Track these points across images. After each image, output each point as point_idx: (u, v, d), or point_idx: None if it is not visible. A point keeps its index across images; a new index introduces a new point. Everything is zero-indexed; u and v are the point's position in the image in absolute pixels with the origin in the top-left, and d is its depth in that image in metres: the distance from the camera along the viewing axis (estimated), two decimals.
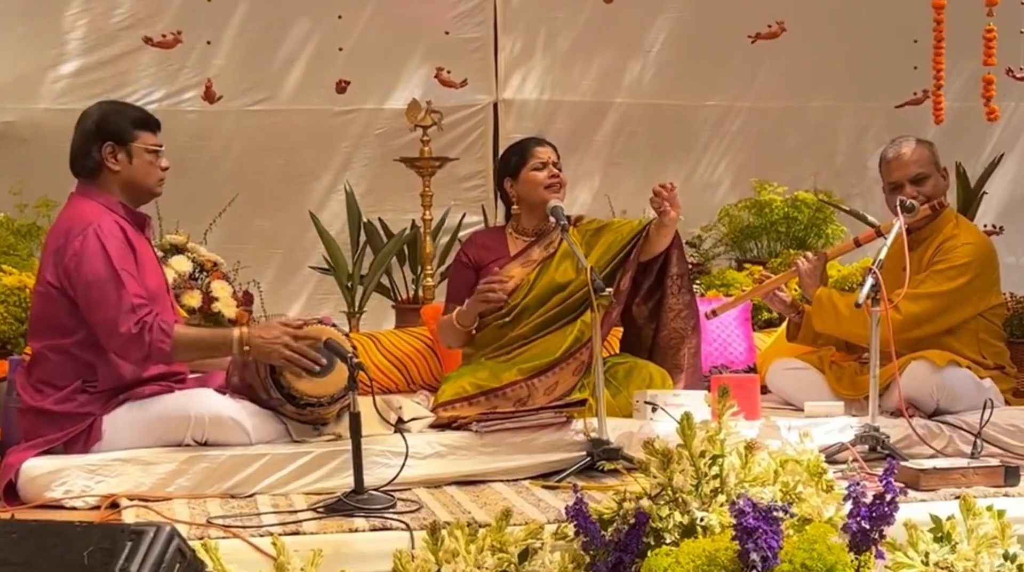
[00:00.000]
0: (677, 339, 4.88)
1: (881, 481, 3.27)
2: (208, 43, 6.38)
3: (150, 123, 4.25)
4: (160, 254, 5.11)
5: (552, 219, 4.78)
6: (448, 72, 6.59)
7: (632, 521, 3.25)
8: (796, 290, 5.30)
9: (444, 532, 3.25)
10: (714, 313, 5.21)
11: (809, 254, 5.14)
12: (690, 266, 6.37)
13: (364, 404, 3.93)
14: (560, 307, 4.82)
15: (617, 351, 5.09)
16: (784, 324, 5.43)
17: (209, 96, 6.36)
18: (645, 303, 4.94)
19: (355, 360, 3.93)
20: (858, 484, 3.28)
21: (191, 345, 4.07)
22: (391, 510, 3.77)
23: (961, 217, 5.08)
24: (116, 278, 3.98)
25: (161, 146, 4.25)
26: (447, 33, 6.60)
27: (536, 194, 4.88)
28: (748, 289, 5.18)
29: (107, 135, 4.16)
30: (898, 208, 4.66)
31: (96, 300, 3.99)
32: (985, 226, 6.77)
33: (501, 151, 6.13)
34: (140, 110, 4.31)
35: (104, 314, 3.99)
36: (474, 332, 4.89)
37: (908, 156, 4.90)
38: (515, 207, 4.98)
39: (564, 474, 4.23)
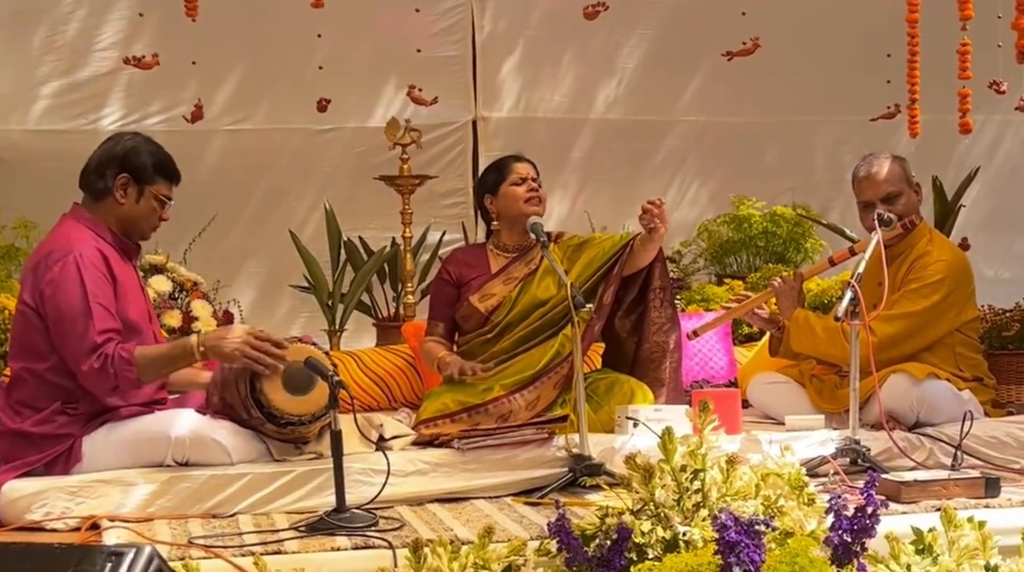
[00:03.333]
0: (659, 353, 4.88)
1: (862, 494, 3.27)
2: (194, 63, 6.35)
3: (172, 174, 4.25)
4: (140, 276, 5.09)
5: (532, 236, 4.79)
6: (420, 90, 6.59)
7: (614, 536, 3.25)
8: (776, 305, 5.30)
9: (427, 550, 3.24)
10: (695, 334, 5.21)
11: (784, 275, 5.15)
12: (671, 281, 6.38)
13: (345, 422, 3.91)
14: (541, 321, 4.82)
15: (598, 366, 5.09)
16: (765, 338, 5.43)
17: (195, 116, 6.34)
18: (628, 316, 4.94)
19: (336, 378, 3.92)
20: (839, 497, 3.28)
21: (154, 362, 4.04)
22: (373, 528, 3.76)
23: (935, 232, 5.09)
24: (87, 313, 3.96)
25: (171, 199, 4.24)
26: (419, 51, 6.59)
27: (515, 208, 4.89)
28: (729, 307, 5.17)
29: (128, 168, 4.15)
30: (876, 222, 4.66)
31: (65, 333, 3.98)
32: (964, 239, 6.78)
33: (481, 168, 6.14)
34: (169, 158, 4.27)
35: (70, 349, 3.98)
36: (455, 348, 4.92)
37: (880, 175, 4.91)
38: (495, 223, 4.99)
39: (546, 490, 4.22)
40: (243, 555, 3.49)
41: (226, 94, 6.49)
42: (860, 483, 3.37)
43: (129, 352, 3.97)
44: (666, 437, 3.35)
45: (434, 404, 4.62)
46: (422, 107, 6.60)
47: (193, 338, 4.07)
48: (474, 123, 6.78)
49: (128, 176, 4.15)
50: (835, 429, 4.67)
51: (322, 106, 6.54)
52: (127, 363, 3.96)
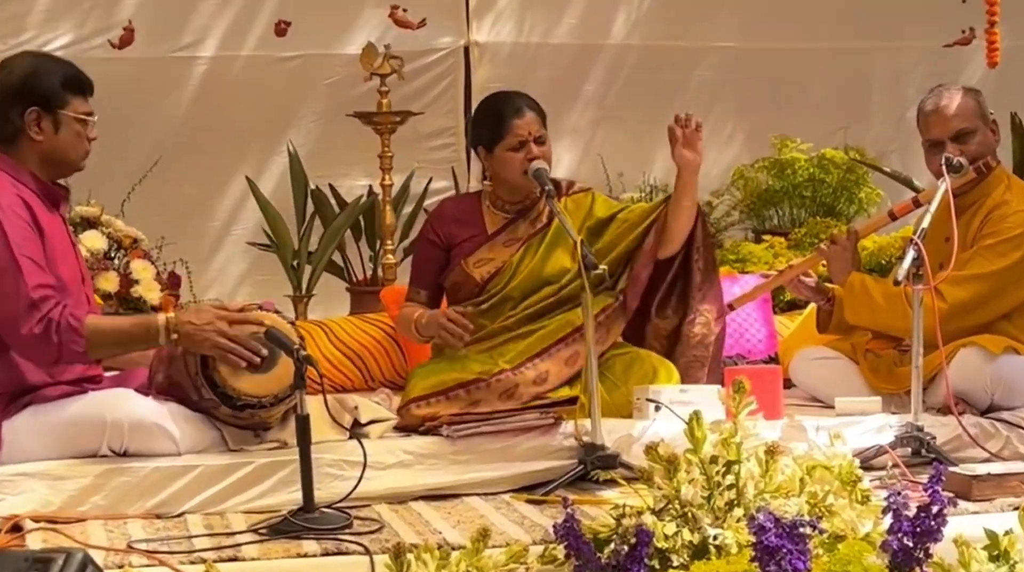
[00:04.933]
0: (705, 331, 4.87)
1: (926, 490, 3.28)
2: None
3: (83, 86, 4.23)
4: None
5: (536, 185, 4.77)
6: (404, 10, 6.56)
7: (633, 541, 3.25)
8: (825, 268, 5.30)
9: (410, 556, 3.25)
10: (731, 307, 5.21)
11: (835, 232, 5.14)
12: None
13: (314, 405, 3.93)
14: (554, 298, 4.82)
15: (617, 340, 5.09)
16: (810, 308, 5.43)
17: (123, 41, 6.31)
18: (668, 300, 4.94)
19: (302, 353, 3.92)
20: (899, 494, 3.28)
21: (109, 339, 4.05)
22: (347, 531, 3.77)
23: (1015, 178, 5.08)
24: (15, 268, 3.95)
25: (92, 114, 4.23)
26: None
27: (512, 178, 4.86)
28: (770, 273, 5.19)
29: (33, 98, 4.13)
30: (943, 167, 4.66)
31: None
32: None
33: (474, 104, 6.12)
34: (73, 68, 4.25)
35: (2, 311, 3.96)
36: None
37: (950, 109, 4.90)
38: (487, 183, 4.97)
39: (552, 486, 4.24)
40: (192, 562, 3.50)
41: (163, 14, 6.44)
42: (924, 477, 3.38)
43: (79, 320, 3.96)
44: (694, 423, 3.35)
45: (426, 380, 4.62)
46: (406, 31, 6.57)
47: (162, 318, 4.05)
48: (466, 49, 6.75)
49: (37, 109, 4.13)
50: (894, 413, 4.68)
51: (280, 29, 6.51)
52: (75, 333, 3.95)
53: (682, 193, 4.82)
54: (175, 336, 4.03)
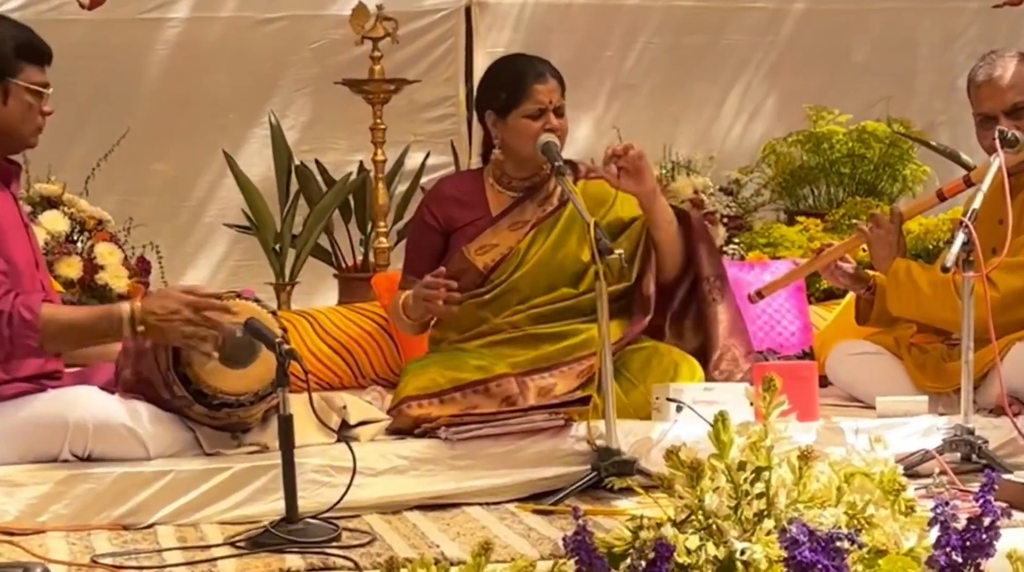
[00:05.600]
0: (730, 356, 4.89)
1: (977, 500, 3.27)
2: None
3: (40, 54, 4.22)
4: (28, 211, 5.08)
5: (545, 161, 4.77)
6: None
7: (651, 556, 3.25)
8: (865, 253, 5.29)
9: (404, 571, 3.25)
10: (760, 295, 5.22)
11: (878, 213, 5.13)
12: (727, 219, 6.37)
13: (298, 404, 3.93)
14: (571, 302, 4.82)
15: None
16: (848, 297, 5.43)
17: (95, 2, 6.31)
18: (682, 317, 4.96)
19: (285, 346, 3.92)
20: (947, 504, 3.28)
21: (67, 332, 4.04)
22: (335, 544, 3.78)
23: None
24: None
25: (48, 86, 4.22)
26: None
27: (526, 148, 4.84)
28: (803, 260, 5.19)
29: None
30: (997, 141, 4.66)
31: None
32: None
33: (476, 71, 6.11)
34: (28, 32, 4.25)
35: None
36: (432, 322, 4.91)
37: (1004, 80, 4.91)
38: (497, 152, 4.95)
39: (562, 494, 4.25)
40: None
41: None
42: (974, 486, 3.38)
43: (32, 311, 3.96)
44: (719, 425, 3.35)
45: (419, 378, 4.62)
46: None
47: (125, 307, 4.04)
48: (467, 10, 6.76)
49: None
50: (941, 415, 4.69)
51: None
52: (28, 327, 3.94)
53: (652, 220, 4.83)
54: (141, 328, 4.03)
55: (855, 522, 3.32)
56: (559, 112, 4.85)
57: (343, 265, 6.29)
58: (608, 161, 4.74)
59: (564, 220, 4.86)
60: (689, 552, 3.25)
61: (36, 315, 3.96)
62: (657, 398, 4.59)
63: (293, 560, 3.65)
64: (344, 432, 4.34)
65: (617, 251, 4.40)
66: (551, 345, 4.74)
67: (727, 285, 4.96)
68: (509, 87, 4.88)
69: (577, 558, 3.30)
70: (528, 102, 4.82)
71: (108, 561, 3.64)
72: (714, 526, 3.29)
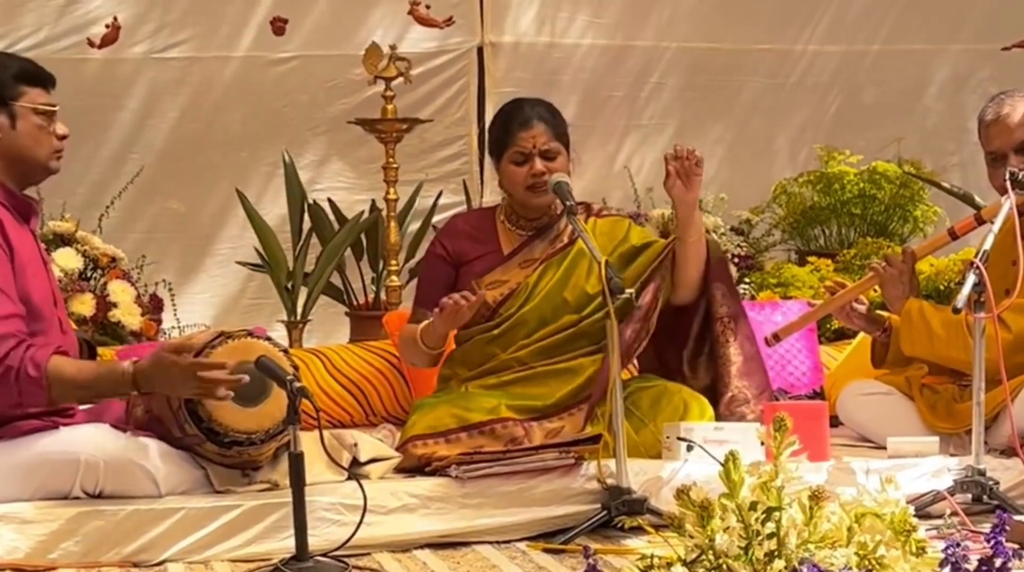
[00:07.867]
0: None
1: (988, 541, 3.26)
2: None
3: (40, 77, 4.24)
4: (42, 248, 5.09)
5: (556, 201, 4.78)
6: (427, 7, 6.58)
7: None
8: (877, 293, 5.28)
9: None
10: (776, 338, 5.20)
11: (890, 253, 5.13)
12: (738, 259, 6.37)
13: (309, 442, 3.92)
14: (574, 330, 4.81)
15: (638, 372, 5.08)
16: (860, 338, 5.41)
17: (107, 40, 6.33)
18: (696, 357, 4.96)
19: (296, 384, 3.91)
20: (958, 545, 3.27)
21: (71, 386, 4.00)
22: None
23: None
24: None
25: (55, 106, 4.23)
26: None
27: (516, 192, 4.89)
28: (815, 301, 5.17)
29: None
30: (1008, 181, 4.65)
31: None
32: None
33: (487, 110, 6.13)
34: (28, 62, 4.28)
35: None
36: (445, 352, 4.90)
37: (1012, 118, 4.92)
38: (506, 197, 4.98)
39: (572, 533, 4.24)
40: None
41: (148, 10, 6.46)
42: (986, 527, 3.36)
43: (39, 367, 3.93)
44: (730, 464, 3.34)
45: (426, 418, 4.62)
46: (416, 30, 6.58)
47: (127, 365, 4.01)
48: (480, 50, 6.78)
49: None
50: (953, 455, 4.68)
51: (278, 27, 6.54)
52: (34, 383, 3.93)
53: (683, 229, 4.83)
54: (145, 388, 4.00)
55: (866, 563, 3.31)
56: (548, 155, 4.84)
57: (355, 303, 6.29)
58: (669, 159, 4.76)
59: (573, 255, 4.88)
60: None
61: (41, 373, 3.94)
62: (668, 437, 4.58)
63: None
64: (354, 470, 4.34)
65: (628, 291, 4.41)
66: (559, 385, 4.73)
67: (743, 325, 4.95)
68: (498, 133, 4.95)
69: None
70: (512, 148, 4.86)
71: None
72: (725, 566, 3.28)
